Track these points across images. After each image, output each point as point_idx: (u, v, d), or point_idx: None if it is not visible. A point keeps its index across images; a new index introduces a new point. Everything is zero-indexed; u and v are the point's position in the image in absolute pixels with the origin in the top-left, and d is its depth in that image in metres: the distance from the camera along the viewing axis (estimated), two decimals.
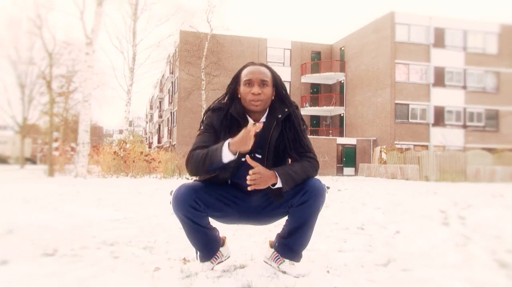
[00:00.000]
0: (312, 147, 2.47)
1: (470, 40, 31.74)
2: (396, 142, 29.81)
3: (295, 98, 36.78)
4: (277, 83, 2.41)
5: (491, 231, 4.03)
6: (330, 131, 37.27)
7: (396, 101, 30.22)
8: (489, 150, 26.49)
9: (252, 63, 2.41)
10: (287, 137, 2.40)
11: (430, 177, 22.41)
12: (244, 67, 2.41)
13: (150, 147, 52.42)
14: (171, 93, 40.65)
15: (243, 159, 2.30)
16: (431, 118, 30.77)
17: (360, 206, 6.02)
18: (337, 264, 2.67)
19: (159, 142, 48.40)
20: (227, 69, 29.74)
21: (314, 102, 37.44)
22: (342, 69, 36.31)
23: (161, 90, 50.20)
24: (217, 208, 2.36)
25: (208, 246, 2.46)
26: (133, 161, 16.71)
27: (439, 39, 31.10)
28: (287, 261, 2.48)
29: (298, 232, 2.40)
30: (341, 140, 32.45)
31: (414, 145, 30.25)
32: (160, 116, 49.51)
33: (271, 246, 2.59)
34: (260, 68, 2.36)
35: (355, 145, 32.17)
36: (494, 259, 2.87)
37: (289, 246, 2.45)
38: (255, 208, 2.44)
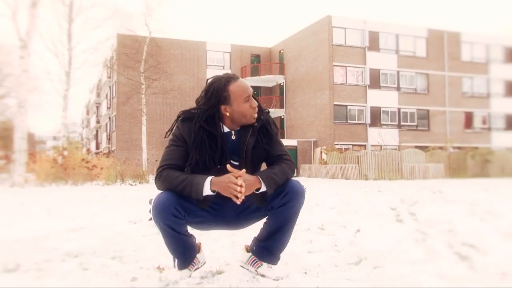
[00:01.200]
0: (285, 149, 2.51)
1: (402, 43, 33.31)
2: (335, 143, 30.67)
3: None
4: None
5: (442, 226, 4.26)
6: None
7: (335, 103, 31.11)
8: (422, 148, 27.86)
9: (235, 76, 2.39)
10: (264, 143, 2.42)
11: (369, 175, 23.24)
12: (231, 82, 2.33)
13: (88, 153, 50.64)
14: (109, 98, 39.54)
15: (221, 167, 2.30)
16: (368, 119, 31.94)
17: (314, 207, 6.16)
18: (311, 265, 2.73)
19: (97, 148, 46.89)
20: (166, 72, 29.36)
21: None
22: (282, 71, 36.90)
23: (98, 95, 48.69)
24: (196, 215, 2.34)
25: (186, 253, 2.43)
26: (73, 168, 16.08)
27: (374, 43, 32.39)
28: (264, 264, 2.50)
29: (277, 234, 2.43)
30: (282, 142, 32.84)
31: (353, 145, 31.27)
32: (98, 122, 48.00)
33: (248, 250, 2.60)
34: (245, 82, 2.39)
35: (296, 146, 32.75)
36: (453, 252, 3.04)
37: (268, 248, 2.47)
38: (233, 212, 2.44)
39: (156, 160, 23.41)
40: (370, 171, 23.58)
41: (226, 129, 2.39)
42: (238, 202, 2.18)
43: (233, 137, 2.39)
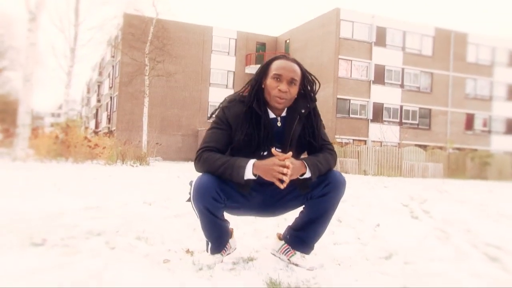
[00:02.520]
0: (329, 139, 2.47)
1: (408, 41, 33.17)
2: (336, 136, 30.61)
3: (238, 88, 36.59)
4: (305, 81, 2.36)
5: (460, 225, 4.24)
6: None
7: (338, 96, 31.05)
8: (422, 146, 27.89)
9: (284, 57, 2.33)
10: (309, 132, 2.38)
11: (368, 171, 23.28)
12: (275, 59, 2.32)
13: (86, 131, 50.49)
14: (111, 77, 39.31)
15: (264, 153, 2.27)
16: (370, 114, 31.90)
17: None
18: (342, 256, 2.70)
19: (96, 127, 46.74)
20: (171, 55, 29.13)
21: None
22: None
23: (100, 74, 48.40)
24: (235, 200, 2.30)
25: (221, 238, 2.40)
26: (75, 146, 16.01)
27: (381, 38, 32.24)
28: (298, 253, 2.48)
29: (314, 225, 2.39)
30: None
31: (354, 140, 31.26)
32: (99, 101, 47.77)
33: (280, 239, 2.57)
34: (293, 65, 2.28)
35: None
36: (482, 253, 3.02)
37: (302, 238, 2.44)
38: (270, 199, 2.41)
39: (157, 143, 23.41)
40: (370, 166, 23.61)
41: (272, 115, 2.34)
42: (282, 186, 2.11)
43: (279, 124, 2.34)
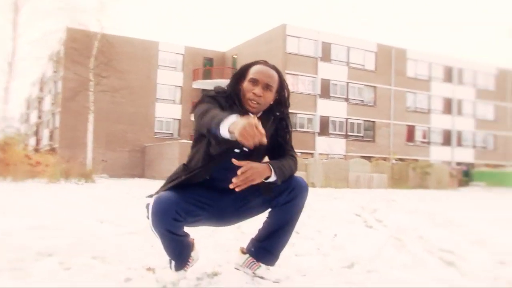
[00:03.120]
0: (293, 147, 2.48)
1: (352, 56, 34.24)
2: None
3: (186, 103, 36.56)
4: (282, 89, 2.37)
5: (413, 233, 4.36)
6: None
7: None
8: (367, 158, 28.72)
9: (264, 62, 2.34)
10: (281, 134, 2.38)
11: (316, 183, 23.64)
12: (254, 63, 2.34)
13: (26, 149, 48.24)
14: (53, 93, 37.91)
15: (238, 151, 2.22)
16: (317, 128, 32.52)
17: None
18: (305, 267, 2.69)
19: (37, 144, 44.78)
20: (117, 70, 28.50)
21: None
22: None
23: (41, 89, 46.56)
24: (194, 214, 2.24)
25: (183, 254, 2.33)
26: (15, 164, 15.24)
27: (326, 53, 33.10)
28: (263, 266, 2.44)
29: (279, 233, 2.37)
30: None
31: (301, 153, 31.66)
32: (39, 117, 45.88)
33: (243, 252, 2.53)
34: (270, 71, 2.30)
35: None
36: (437, 258, 3.10)
37: (267, 249, 2.41)
38: (230, 208, 2.36)
39: (102, 160, 22.72)
40: (318, 178, 23.99)
41: (250, 115, 2.31)
42: (238, 189, 2.08)
43: None
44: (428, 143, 37.68)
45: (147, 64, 35.13)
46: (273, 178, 2.17)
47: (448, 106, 38.68)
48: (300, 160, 26.14)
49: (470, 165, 38.75)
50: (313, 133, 32.57)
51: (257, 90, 2.24)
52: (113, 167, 30.93)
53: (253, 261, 2.46)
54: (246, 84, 2.28)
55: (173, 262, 2.31)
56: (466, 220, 5.75)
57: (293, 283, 2.31)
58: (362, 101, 34.61)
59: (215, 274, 2.46)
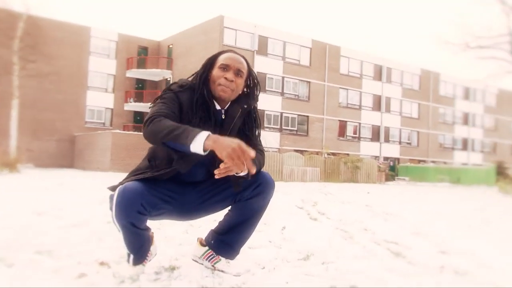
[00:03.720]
0: (261, 141, 2.46)
1: (288, 51, 34.70)
2: None
3: (119, 92, 35.46)
4: (251, 80, 2.34)
5: (357, 225, 4.50)
6: None
7: None
8: (300, 152, 29.34)
9: (232, 51, 2.31)
10: (249, 127, 2.34)
11: None
12: (223, 52, 2.31)
13: None
14: None
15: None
16: None
17: None
18: (263, 260, 2.69)
19: None
20: (45, 55, 27.02)
21: (139, 98, 36.50)
22: (170, 67, 36.22)
23: None
24: (159, 208, 2.17)
25: (143, 248, 2.25)
26: None
27: (262, 47, 33.30)
28: (223, 259, 2.41)
29: (241, 227, 2.34)
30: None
31: None
32: None
33: (202, 244, 2.48)
34: (240, 58, 2.28)
35: None
36: (386, 249, 3.22)
37: (228, 242, 2.38)
38: (196, 201, 2.31)
39: (27, 149, 21.48)
40: None
41: (218, 107, 2.26)
42: (218, 176, 1.95)
43: (223, 116, 2.26)
44: (359, 138, 39.08)
45: (78, 50, 33.61)
46: (244, 172, 2.09)
47: (378, 103, 40.32)
48: None
49: (396, 160, 40.74)
50: None
51: (229, 75, 2.20)
52: (39, 157, 29.43)
53: (212, 254, 2.42)
54: (216, 71, 2.23)
55: (131, 256, 2.23)
56: (402, 212, 6.03)
57: (255, 276, 2.30)
58: (297, 95, 35.24)
59: (173, 268, 2.40)
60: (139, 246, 2.21)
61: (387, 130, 40.93)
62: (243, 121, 2.34)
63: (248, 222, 2.33)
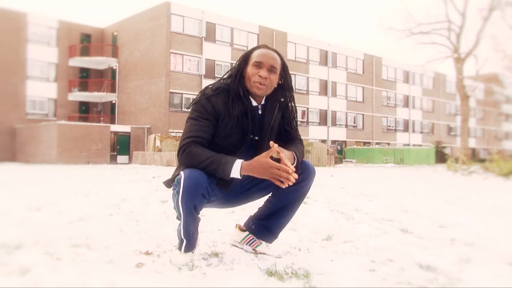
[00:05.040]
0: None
1: (236, 37, 34.69)
2: (170, 130, 30.60)
3: (62, 81, 34.13)
4: (285, 73, 2.41)
5: (347, 206, 4.73)
6: (101, 118, 35.78)
7: (171, 90, 30.95)
8: None
9: (265, 46, 2.37)
10: (288, 121, 2.45)
11: None
12: (256, 48, 2.37)
13: None
14: None
15: (256, 137, 2.36)
16: None
17: None
18: (291, 242, 2.82)
19: None
20: None
21: (84, 87, 35.35)
22: (115, 54, 35.22)
23: None
24: (213, 194, 2.26)
25: (195, 235, 2.35)
26: None
27: (210, 34, 33.09)
28: (263, 243, 2.53)
29: (282, 213, 2.46)
30: (115, 128, 31.55)
31: None
32: None
33: (242, 229, 2.59)
34: (273, 54, 2.33)
35: (129, 133, 31.71)
36: (391, 226, 3.46)
37: (269, 227, 2.50)
38: (240, 190, 2.41)
39: None
40: None
41: (254, 103, 2.35)
42: (284, 186, 2.12)
43: (260, 112, 2.36)
44: (307, 123, 39.87)
45: (14, 37, 31.95)
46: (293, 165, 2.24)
47: (324, 88, 41.24)
48: None
49: (343, 143, 41.97)
50: None
51: (263, 72, 2.28)
52: None
53: (253, 238, 2.54)
54: (250, 68, 2.31)
55: (184, 243, 2.30)
56: (378, 193, 6.35)
57: (297, 257, 2.44)
58: None
59: (216, 254, 2.49)
60: (192, 232, 2.29)
61: (334, 114, 42.00)
62: (282, 115, 2.44)
63: (289, 208, 2.45)
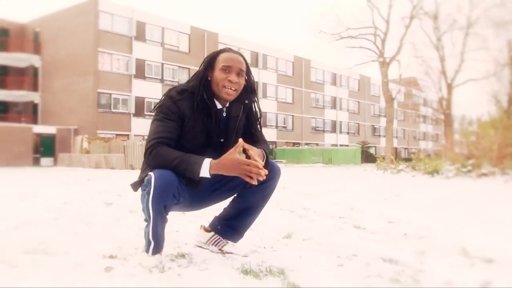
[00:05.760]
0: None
1: (167, 37, 34.17)
2: (99, 131, 29.58)
3: None
4: (248, 75, 2.42)
5: (295, 205, 4.84)
6: (22, 119, 33.80)
7: (99, 90, 29.92)
8: None
9: (230, 50, 2.36)
10: (252, 124, 2.46)
11: (136, 165, 23.31)
12: (221, 51, 2.34)
13: None
14: None
15: (221, 140, 2.37)
16: (132, 109, 31.75)
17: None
18: (254, 241, 2.85)
19: None
20: None
21: (2, 85, 33.18)
22: (37, 51, 33.41)
23: None
24: (182, 195, 2.23)
25: (162, 237, 2.30)
26: None
27: (141, 33, 32.35)
28: (229, 242, 2.53)
29: (248, 213, 2.48)
30: (38, 129, 29.95)
31: (116, 135, 30.64)
32: None
33: (207, 230, 2.58)
34: (239, 57, 2.33)
35: (54, 134, 30.23)
36: (344, 223, 3.59)
37: (235, 227, 2.51)
38: (206, 191, 2.40)
39: None
40: (137, 161, 23.64)
41: (219, 106, 2.34)
42: (254, 182, 2.11)
43: (224, 114, 2.36)
44: None
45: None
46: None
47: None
48: (118, 143, 25.40)
49: (274, 144, 42.64)
50: (129, 114, 31.71)
51: (232, 77, 2.27)
52: None
53: (219, 239, 2.54)
54: (218, 73, 2.29)
55: (152, 245, 2.25)
56: (319, 192, 6.54)
57: (265, 255, 2.47)
58: (177, 82, 34.92)
59: (183, 255, 2.46)
60: (160, 234, 2.25)
61: (264, 115, 42.52)
62: (246, 116, 2.47)
63: (255, 207, 2.47)
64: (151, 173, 2.11)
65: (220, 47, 31.82)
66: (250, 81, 2.46)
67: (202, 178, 2.15)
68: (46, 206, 4.43)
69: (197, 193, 2.35)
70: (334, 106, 50.71)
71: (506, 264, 2.32)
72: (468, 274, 2.12)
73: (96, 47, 29.72)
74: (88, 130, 29.49)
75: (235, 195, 2.50)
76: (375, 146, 53.64)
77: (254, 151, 2.20)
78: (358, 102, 54.22)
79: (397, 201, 5.37)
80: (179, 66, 34.95)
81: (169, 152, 2.14)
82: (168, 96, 2.30)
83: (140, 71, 32.32)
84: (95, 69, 29.63)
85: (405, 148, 60.87)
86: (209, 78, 2.32)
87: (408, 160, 15.09)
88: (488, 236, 3.14)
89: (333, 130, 50.63)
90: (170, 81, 34.31)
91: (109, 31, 30.55)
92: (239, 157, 2.12)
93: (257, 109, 2.52)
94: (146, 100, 32.67)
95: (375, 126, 56.97)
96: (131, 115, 31.80)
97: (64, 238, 2.87)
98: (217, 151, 2.34)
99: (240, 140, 2.17)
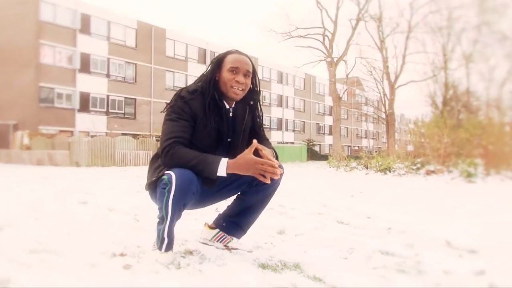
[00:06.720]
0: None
1: (113, 31, 33.27)
2: (41, 127, 28.40)
3: None
4: (254, 77, 2.51)
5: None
6: None
7: (41, 84, 28.69)
8: (129, 135, 28.66)
9: (237, 51, 2.45)
10: (257, 124, 2.56)
11: (82, 162, 22.62)
12: (229, 53, 2.43)
13: None
14: None
15: (228, 139, 2.44)
16: (77, 104, 30.71)
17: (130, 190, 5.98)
18: (254, 238, 2.94)
19: None
20: None
21: None
22: None
23: None
24: (199, 193, 2.30)
25: (173, 234, 2.34)
26: None
27: (86, 26, 31.30)
28: (234, 239, 2.62)
29: (252, 210, 2.58)
30: None
31: (60, 130, 29.54)
32: None
33: (211, 228, 2.65)
34: (246, 59, 2.42)
35: None
36: (326, 219, 3.75)
37: (239, 224, 2.60)
38: (215, 189, 2.47)
39: None
40: (82, 157, 22.94)
41: (226, 106, 2.42)
42: (268, 181, 2.21)
43: (231, 114, 2.44)
44: None
45: None
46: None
47: None
48: (62, 139, 24.51)
49: None
50: (73, 109, 30.62)
51: (240, 77, 2.38)
52: None
53: (224, 235, 2.62)
54: (226, 74, 2.38)
55: (165, 242, 2.29)
56: (286, 189, 6.70)
57: (271, 251, 2.59)
58: (124, 77, 34.14)
59: (191, 252, 2.52)
60: (173, 232, 2.30)
61: None
62: (251, 117, 2.57)
63: (259, 205, 2.58)
64: (171, 172, 2.16)
65: (168, 42, 31.55)
66: (256, 83, 2.56)
67: (218, 177, 2.23)
68: (18, 206, 4.29)
69: (206, 190, 2.42)
70: (280, 104, 51.38)
71: (488, 254, 2.56)
72: (460, 264, 2.33)
73: (37, 38, 28.47)
74: (29, 125, 28.21)
75: (239, 193, 2.59)
76: (319, 144, 54.89)
77: (267, 151, 2.30)
78: (304, 100, 55.24)
79: (364, 198, 5.63)
80: (126, 61, 34.14)
81: (186, 152, 2.21)
82: (179, 96, 2.36)
83: (85, 65, 31.28)
84: (36, 62, 28.39)
85: (348, 146, 62.71)
86: (216, 79, 2.40)
87: (357, 158, 15.63)
88: (461, 228, 3.41)
89: (280, 127, 51.31)
90: (117, 76, 33.47)
91: (51, 23, 29.33)
92: (255, 157, 2.21)
93: (261, 110, 2.62)
94: (91, 95, 31.71)
95: (320, 124, 58.28)
96: (76, 110, 30.73)
97: (59, 238, 2.85)
98: (225, 150, 2.42)
99: (254, 141, 2.26)
